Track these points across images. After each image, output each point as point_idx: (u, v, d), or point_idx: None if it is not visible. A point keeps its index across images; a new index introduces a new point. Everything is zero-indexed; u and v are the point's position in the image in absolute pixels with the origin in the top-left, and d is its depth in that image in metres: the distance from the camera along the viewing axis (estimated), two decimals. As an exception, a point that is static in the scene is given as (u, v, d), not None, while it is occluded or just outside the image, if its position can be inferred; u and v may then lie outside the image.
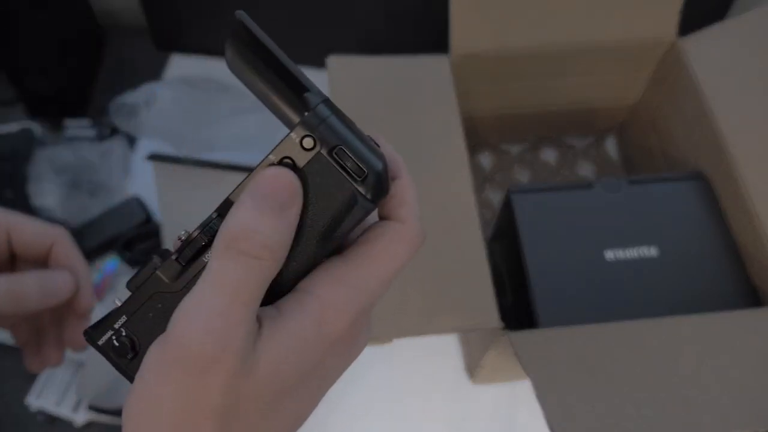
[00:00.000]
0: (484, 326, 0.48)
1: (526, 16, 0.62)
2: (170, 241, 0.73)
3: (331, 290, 0.22)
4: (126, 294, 0.23)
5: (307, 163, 0.22)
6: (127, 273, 0.74)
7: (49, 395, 0.67)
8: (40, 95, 0.83)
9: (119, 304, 0.23)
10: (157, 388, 0.20)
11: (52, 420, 0.66)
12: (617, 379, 0.43)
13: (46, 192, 0.75)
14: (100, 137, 0.83)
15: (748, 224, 0.54)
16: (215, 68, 0.90)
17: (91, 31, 0.92)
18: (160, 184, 0.72)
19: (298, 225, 0.22)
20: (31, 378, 0.68)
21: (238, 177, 0.69)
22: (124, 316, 0.23)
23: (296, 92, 0.23)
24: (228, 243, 0.20)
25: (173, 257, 0.23)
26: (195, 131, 0.80)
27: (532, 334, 0.48)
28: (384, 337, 0.48)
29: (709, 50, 0.62)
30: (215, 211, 0.23)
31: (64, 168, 0.77)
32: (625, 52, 0.66)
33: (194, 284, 0.21)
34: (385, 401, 0.66)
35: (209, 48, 0.92)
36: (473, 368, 0.65)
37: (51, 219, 0.76)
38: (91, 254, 0.74)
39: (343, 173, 0.22)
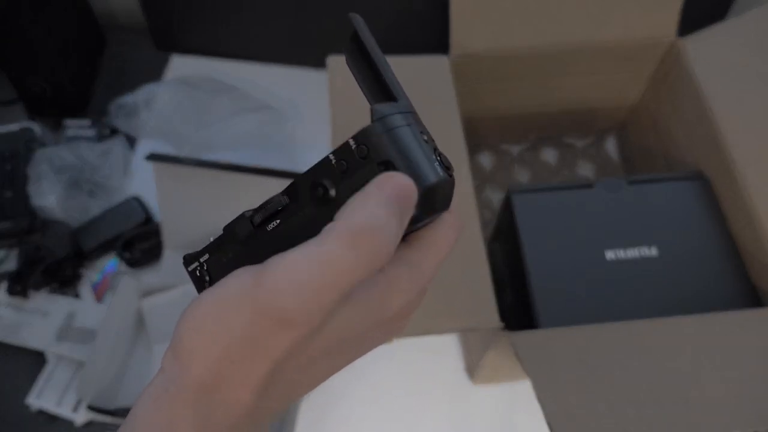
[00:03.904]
0: (484, 326, 0.48)
1: (526, 17, 0.62)
2: (170, 241, 0.73)
3: (397, 269, 0.23)
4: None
5: (358, 171, 0.22)
6: (127, 273, 0.74)
7: (49, 395, 0.67)
8: (40, 95, 0.83)
9: (212, 240, 0.26)
10: (234, 313, 0.21)
11: (52, 420, 0.66)
12: (617, 379, 0.43)
13: (46, 192, 0.75)
14: (100, 137, 0.83)
15: (748, 224, 0.54)
16: (215, 68, 0.90)
17: (91, 31, 0.92)
18: (160, 184, 0.72)
19: None
20: (31, 378, 0.68)
21: (237, 177, 0.69)
22: (207, 254, 0.26)
23: (380, 100, 0.24)
24: (355, 233, 0.20)
25: (248, 216, 0.24)
26: (195, 131, 0.80)
27: (532, 334, 0.48)
28: (384, 337, 0.48)
29: (709, 50, 0.62)
30: (283, 192, 0.24)
31: (64, 168, 0.77)
32: (625, 52, 0.66)
33: (256, 248, 0.23)
34: (385, 401, 0.66)
35: (209, 48, 0.92)
36: (473, 368, 0.65)
37: (51, 219, 0.76)
38: (91, 254, 0.74)
39: None
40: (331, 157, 0.23)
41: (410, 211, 0.21)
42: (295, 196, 0.23)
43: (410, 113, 0.23)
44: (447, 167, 0.23)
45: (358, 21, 0.25)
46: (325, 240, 0.20)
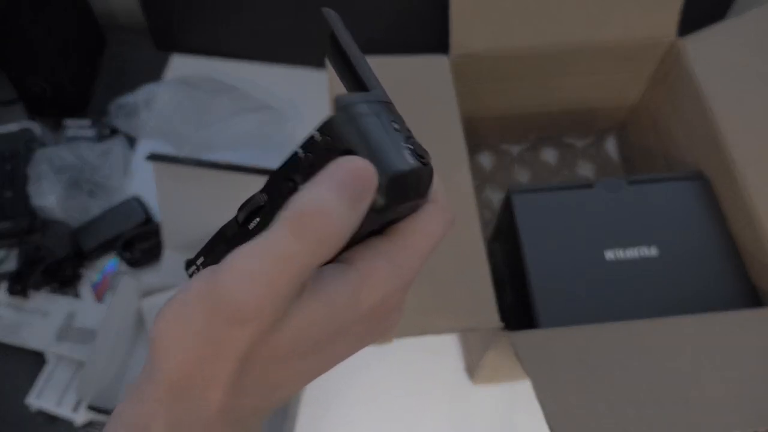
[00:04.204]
0: (484, 326, 0.48)
1: (526, 17, 0.62)
2: (170, 241, 0.73)
3: (370, 263, 0.23)
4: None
5: (324, 162, 0.21)
6: (127, 273, 0.74)
7: (49, 395, 0.67)
8: (40, 95, 0.83)
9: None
10: (194, 315, 0.21)
11: (52, 420, 0.66)
12: (617, 379, 0.43)
13: (46, 192, 0.75)
14: (100, 137, 0.83)
15: (748, 224, 0.54)
16: (215, 68, 0.90)
17: (91, 31, 0.92)
18: (160, 184, 0.72)
19: None
20: (31, 378, 0.68)
21: (237, 177, 0.69)
22: (202, 257, 0.26)
23: (355, 91, 0.23)
24: (299, 218, 0.19)
25: (235, 216, 0.24)
26: (195, 131, 0.80)
27: (532, 334, 0.48)
28: (384, 337, 0.48)
29: (709, 50, 0.62)
30: (262, 190, 0.23)
31: (64, 168, 0.77)
32: (625, 52, 0.66)
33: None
34: (385, 401, 0.66)
35: (209, 48, 0.92)
36: (473, 368, 0.65)
37: (51, 219, 0.76)
38: (91, 254, 0.74)
39: None
40: (299, 150, 0.22)
41: (367, 195, 0.20)
42: (272, 193, 0.23)
43: (379, 102, 0.23)
44: (420, 156, 0.23)
45: (331, 15, 0.25)
46: (270, 229, 0.20)
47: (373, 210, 0.21)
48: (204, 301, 0.21)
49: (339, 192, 0.20)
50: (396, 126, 0.23)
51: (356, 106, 0.22)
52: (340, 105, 0.22)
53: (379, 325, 0.25)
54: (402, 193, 0.22)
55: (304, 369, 0.23)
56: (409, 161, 0.22)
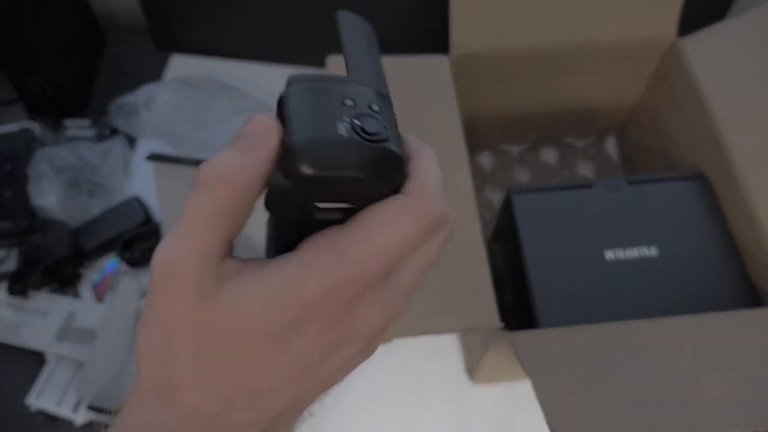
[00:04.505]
0: (484, 326, 0.48)
1: (526, 17, 0.62)
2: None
3: (315, 252, 0.21)
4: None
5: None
6: (127, 273, 0.74)
7: (49, 395, 0.67)
8: (40, 95, 0.83)
9: None
10: (152, 304, 0.22)
11: (52, 420, 0.66)
12: (617, 379, 0.43)
13: (46, 192, 0.75)
14: (100, 137, 0.83)
15: (748, 224, 0.54)
16: (215, 68, 0.90)
17: (91, 31, 0.92)
18: (160, 184, 0.72)
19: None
20: (31, 378, 0.68)
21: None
22: None
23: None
24: (197, 175, 0.22)
25: None
26: (195, 131, 0.80)
27: (532, 334, 0.48)
28: (384, 337, 0.48)
29: (709, 50, 0.62)
30: None
31: (64, 168, 0.77)
32: (625, 52, 0.66)
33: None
34: (385, 401, 0.66)
35: (209, 48, 0.92)
36: (473, 368, 0.65)
37: (51, 219, 0.76)
38: (91, 254, 0.74)
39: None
40: None
41: (259, 140, 0.21)
42: None
43: (341, 82, 0.23)
44: (371, 133, 0.21)
45: (340, 17, 0.26)
46: None
47: (300, 178, 0.21)
48: (153, 284, 0.22)
49: (231, 146, 0.22)
50: (349, 102, 0.22)
51: (302, 82, 0.23)
52: (288, 82, 0.23)
53: (339, 332, 0.22)
54: (331, 165, 0.21)
55: (275, 370, 0.22)
56: (340, 132, 0.21)
